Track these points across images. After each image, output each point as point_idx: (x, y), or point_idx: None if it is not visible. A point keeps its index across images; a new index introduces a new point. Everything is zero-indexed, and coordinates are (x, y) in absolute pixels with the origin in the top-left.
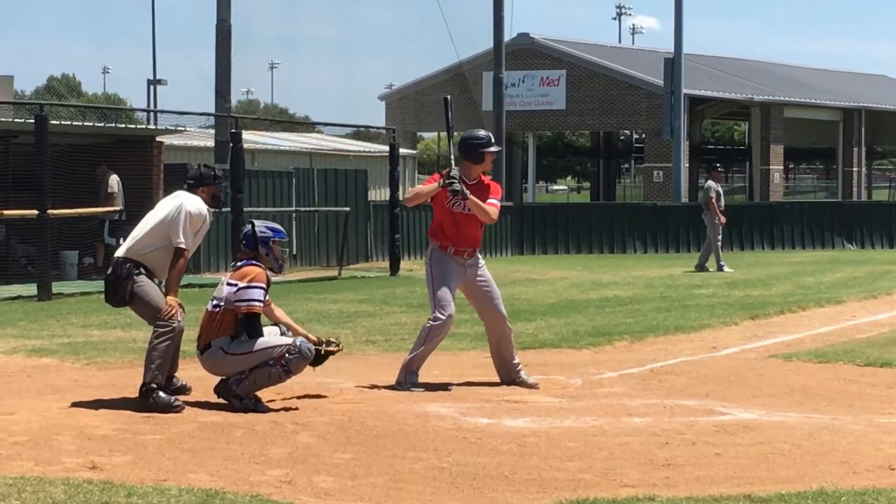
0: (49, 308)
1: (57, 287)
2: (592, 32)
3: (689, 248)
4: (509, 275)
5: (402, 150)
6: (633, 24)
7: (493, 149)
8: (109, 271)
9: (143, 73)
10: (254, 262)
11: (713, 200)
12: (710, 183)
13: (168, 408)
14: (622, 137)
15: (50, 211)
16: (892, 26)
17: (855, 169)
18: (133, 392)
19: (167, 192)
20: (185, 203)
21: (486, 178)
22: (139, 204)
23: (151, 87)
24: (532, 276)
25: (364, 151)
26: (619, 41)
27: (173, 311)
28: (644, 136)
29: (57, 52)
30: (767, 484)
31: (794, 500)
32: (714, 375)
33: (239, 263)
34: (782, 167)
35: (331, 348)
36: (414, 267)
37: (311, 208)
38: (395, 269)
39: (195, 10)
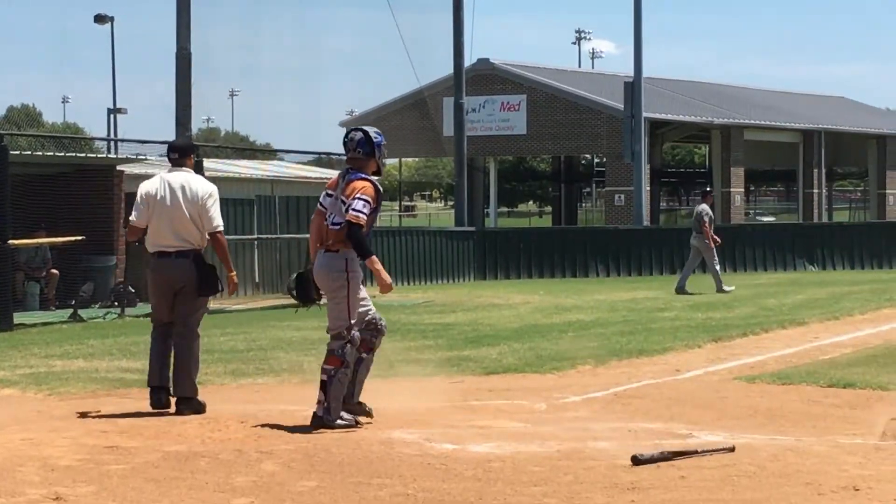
0: (10, 339)
1: (18, 318)
2: (552, 57)
3: (652, 271)
4: (472, 300)
5: None
6: (593, 49)
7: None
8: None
9: (103, 102)
10: (363, 174)
11: (706, 224)
12: (704, 206)
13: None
14: (583, 161)
15: (11, 241)
16: (849, 48)
17: (815, 190)
18: (94, 421)
19: (128, 221)
20: None
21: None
22: (100, 234)
23: (111, 116)
24: (495, 301)
25: (326, 178)
26: (579, 65)
27: None
28: (605, 159)
29: (16, 81)
30: None
31: None
32: (678, 398)
33: (350, 177)
34: (743, 189)
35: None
36: (376, 293)
37: (274, 235)
38: None
39: (155, 38)
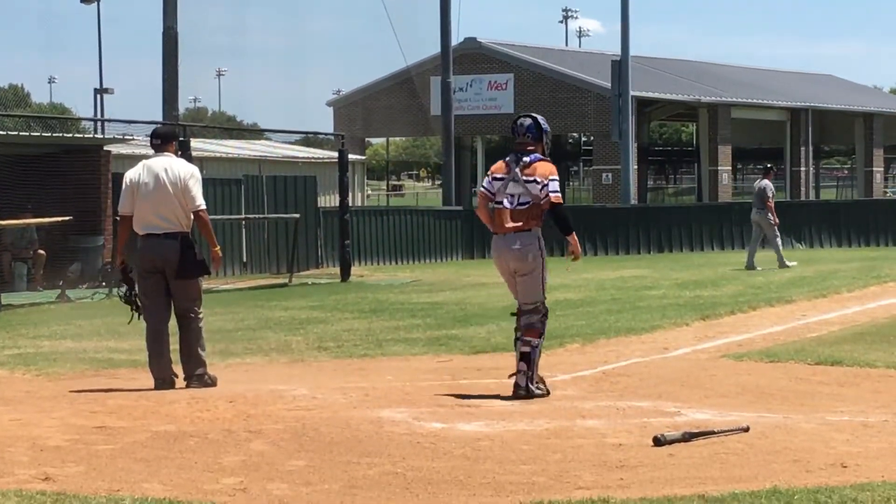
0: None
1: (6, 298)
2: (539, 36)
3: (640, 249)
4: (460, 279)
5: (350, 156)
6: (580, 27)
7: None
8: None
9: (89, 83)
10: (542, 156)
11: (770, 200)
12: (766, 182)
13: None
14: (570, 140)
15: None
16: (836, 26)
17: (802, 168)
18: (83, 402)
19: (115, 201)
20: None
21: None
22: (87, 214)
23: (98, 96)
24: (482, 280)
25: (313, 158)
26: (566, 44)
27: None
28: (592, 138)
29: (3, 62)
30: (721, 483)
31: (748, 499)
32: (666, 376)
33: (526, 159)
34: (730, 168)
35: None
36: (364, 273)
37: (261, 215)
38: (345, 275)
39: (142, 18)
